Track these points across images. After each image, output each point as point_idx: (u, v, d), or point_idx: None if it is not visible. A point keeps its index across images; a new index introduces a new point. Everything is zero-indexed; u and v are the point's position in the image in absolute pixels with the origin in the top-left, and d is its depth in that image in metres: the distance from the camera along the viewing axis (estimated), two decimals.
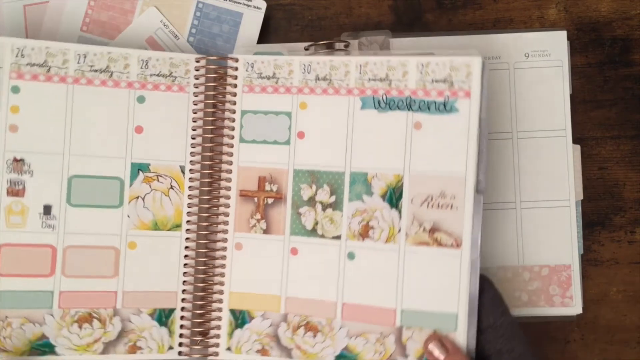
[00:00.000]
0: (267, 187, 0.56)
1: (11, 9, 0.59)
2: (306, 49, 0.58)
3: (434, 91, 0.53)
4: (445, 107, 0.52)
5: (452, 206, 0.52)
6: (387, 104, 0.53)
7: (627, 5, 0.61)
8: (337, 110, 0.55)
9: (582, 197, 0.60)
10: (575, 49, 0.61)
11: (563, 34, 0.60)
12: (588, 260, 0.60)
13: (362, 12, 0.62)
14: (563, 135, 0.59)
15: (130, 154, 0.57)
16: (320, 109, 0.55)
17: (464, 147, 0.52)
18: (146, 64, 0.57)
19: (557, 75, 0.59)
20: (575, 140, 0.59)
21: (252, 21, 0.61)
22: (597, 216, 0.61)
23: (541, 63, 0.59)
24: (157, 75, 0.57)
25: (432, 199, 0.52)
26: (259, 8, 0.61)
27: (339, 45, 0.57)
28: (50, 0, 0.60)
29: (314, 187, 0.55)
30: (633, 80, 0.61)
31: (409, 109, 0.53)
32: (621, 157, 0.61)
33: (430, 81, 0.53)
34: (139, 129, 0.57)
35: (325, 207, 0.55)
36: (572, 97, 0.60)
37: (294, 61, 0.55)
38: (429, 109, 0.53)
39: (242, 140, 0.56)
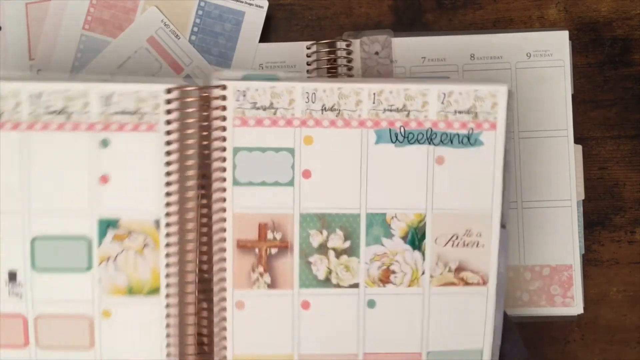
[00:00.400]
0: (270, 236, 0.49)
1: (13, 7, 0.58)
2: (308, 47, 0.55)
3: (457, 123, 0.49)
4: (469, 140, 0.49)
5: (478, 244, 0.49)
6: (406, 138, 0.49)
7: (627, 5, 0.61)
8: (348, 145, 0.49)
9: (583, 197, 0.60)
10: (575, 49, 0.61)
11: (565, 34, 0.59)
12: (588, 261, 0.61)
13: (362, 12, 0.60)
14: (565, 135, 0.59)
15: (96, 209, 0.48)
16: (328, 144, 0.49)
17: (490, 182, 0.49)
18: (108, 100, 0.47)
19: (559, 75, 0.59)
20: (575, 140, 0.59)
21: (255, 20, 0.58)
22: (597, 216, 0.61)
23: (543, 63, 0.59)
24: (122, 112, 0.48)
25: (457, 237, 0.49)
26: (261, 7, 0.58)
27: (340, 44, 0.55)
28: None
29: (324, 232, 0.49)
30: (633, 80, 0.61)
31: (429, 143, 0.49)
32: (621, 157, 0.61)
33: (452, 112, 0.48)
34: (104, 179, 0.48)
35: (339, 253, 0.49)
36: (572, 97, 0.59)
37: (295, 88, 0.48)
38: (451, 142, 0.49)
39: (235, 182, 0.49)
